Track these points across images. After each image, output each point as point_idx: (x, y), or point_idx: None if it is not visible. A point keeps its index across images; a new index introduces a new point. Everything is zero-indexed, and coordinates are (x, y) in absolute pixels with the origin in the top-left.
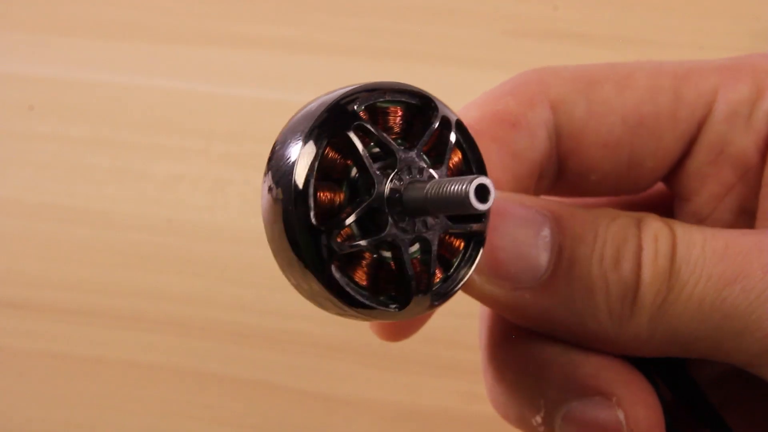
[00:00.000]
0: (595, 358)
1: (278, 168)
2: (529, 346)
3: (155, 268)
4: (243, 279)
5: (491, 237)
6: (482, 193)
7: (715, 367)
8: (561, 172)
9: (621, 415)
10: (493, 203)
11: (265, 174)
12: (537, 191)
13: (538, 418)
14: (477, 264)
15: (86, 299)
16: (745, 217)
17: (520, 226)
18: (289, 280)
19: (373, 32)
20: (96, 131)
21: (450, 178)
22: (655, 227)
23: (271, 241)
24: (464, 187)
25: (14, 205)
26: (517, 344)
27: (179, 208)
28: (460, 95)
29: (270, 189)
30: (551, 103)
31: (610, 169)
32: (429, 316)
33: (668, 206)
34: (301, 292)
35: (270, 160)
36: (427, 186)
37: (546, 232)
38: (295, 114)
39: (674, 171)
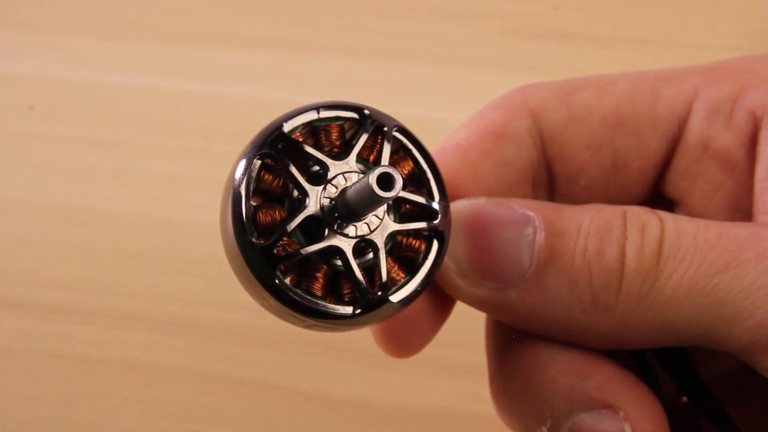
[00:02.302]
0: (603, 368)
1: (225, 196)
2: (535, 356)
3: (156, 268)
4: None
5: (476, 240)
6: (386, 181)
7: (720, 363)
8: (552, 179)
9: (628, 429)
10: (476, 208)
11: (220, 203)
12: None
13: (544, 429)
14: (440, 262)
15: (86, 299)
16: (738, 215)
17: (503, 228)
18: (255, 299)
19: (373, 32)
20: (96, 131)
21: (361, 176)
22: (642, 218)
23: (231, 265)
24: (368, 179)
25: (14, 205)
26: (522, 354)
27: (179, 208)
28: (461, 95)
29: (221, 217)
30: (532, 111)
31: (597, 172)
32: (435, 331)
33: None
34: (267, 310)
35: (223, 189)
36: (347, 189)
37: (529, 230)
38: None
39: (664, 173)
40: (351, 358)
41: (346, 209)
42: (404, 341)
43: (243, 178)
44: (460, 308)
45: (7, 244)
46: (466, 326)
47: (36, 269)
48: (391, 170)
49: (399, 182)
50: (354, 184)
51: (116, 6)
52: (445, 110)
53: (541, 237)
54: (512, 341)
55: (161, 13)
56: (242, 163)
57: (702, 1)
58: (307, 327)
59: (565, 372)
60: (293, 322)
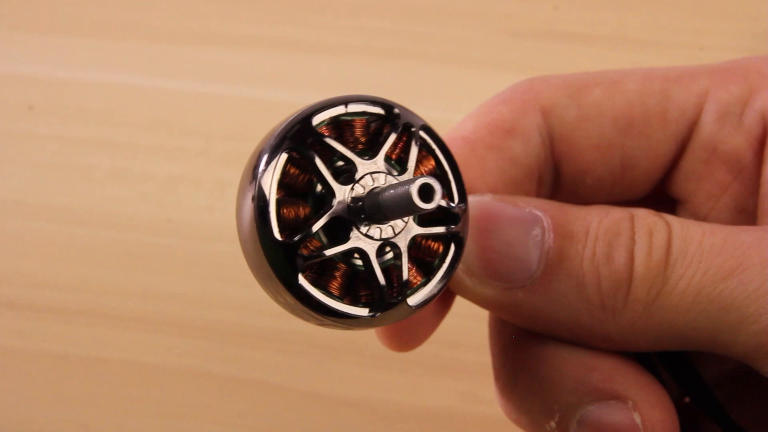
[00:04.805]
0: (609, 361)
1: (245, 188)
2: (541, 351)
3: (155, 268)
4: (243, 279)
5: (483, 239)
6: (426, 192)
7: (722, 365)
8: (558, 177)
9: (638, 419)
10: (482, 205)
11: (237, 195)
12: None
13: (553, 424)
14: (457, 266)
15: (86, 299)
16: (743, 217)
17: (511, 227)
18: (269, 295)
19: (373, 32)
20: (96, 131)
21: (398, 182)
22: (649, 222)
23: (247, 258)
24: (408, 188)
25: (14, 205)
26: (528, 350)
27: (179, 208)
28: (461, 95)
29: (239, 209)
30: (542, 108)
31: (605, 171)
32: (436, 324)
33: (669, 212)
34: (282, 306)
35: (241, 180)
36: (380, 192)
37: (537, 231)
38: (269, 132)
39: (670, 173)
40: (351, 358)
41: (376, 212)
42: (406, 336)
43: (269, 170)
44: (459, 309)
45: (7, 244)
46: (466, 326)
47: (36, 269)
48: (432, 182)
49: (439, 194)
50: (388, 188)
51: (116, 6)
52: (445, 110)
53: (549, 239)
54: (517, 338)
55: (161, 13)
56: (267, 155)
57: (702, 1)
58: (322, 325)
59: (571, 365)
60: (308, 320)
